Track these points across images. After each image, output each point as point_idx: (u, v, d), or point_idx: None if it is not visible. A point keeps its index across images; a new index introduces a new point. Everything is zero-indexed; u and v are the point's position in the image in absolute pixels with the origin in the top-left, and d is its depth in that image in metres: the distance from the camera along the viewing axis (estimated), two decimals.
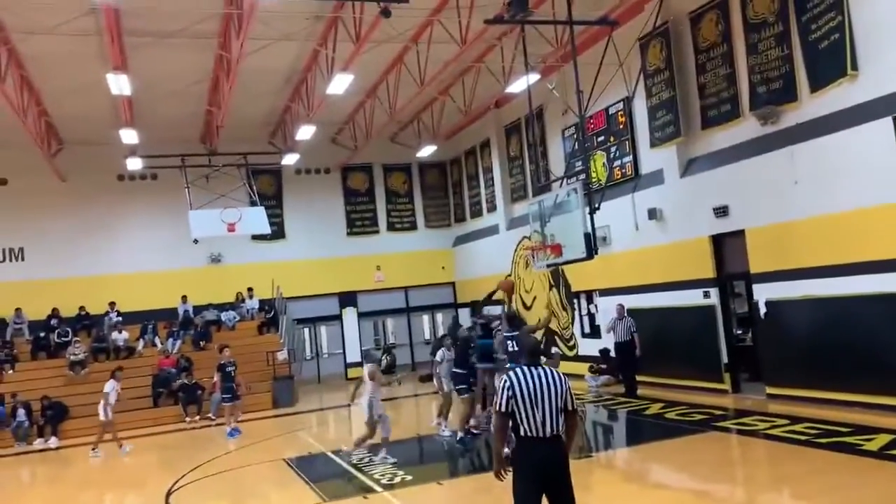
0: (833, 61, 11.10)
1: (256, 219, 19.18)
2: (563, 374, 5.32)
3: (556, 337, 19.44)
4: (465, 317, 24.50)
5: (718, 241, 13.84)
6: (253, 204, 20.58)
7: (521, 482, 5.12)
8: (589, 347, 17.87)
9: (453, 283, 26.32)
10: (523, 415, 5.09)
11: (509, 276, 18.67)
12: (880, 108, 10.48)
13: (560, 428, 5.16)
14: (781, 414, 11.27)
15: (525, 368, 5.26)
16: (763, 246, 12.62)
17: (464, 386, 11.88)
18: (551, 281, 19.63)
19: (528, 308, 21.07)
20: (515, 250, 21.35)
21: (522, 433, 5.13)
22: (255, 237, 22.51)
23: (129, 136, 18.43)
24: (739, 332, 14.06)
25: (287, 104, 20.21)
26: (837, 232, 11.16)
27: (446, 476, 9.91)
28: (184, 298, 22.16)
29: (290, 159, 22.14)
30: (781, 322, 12.28)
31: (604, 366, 16.80)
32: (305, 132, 19.17)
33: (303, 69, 17.67)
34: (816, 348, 11.50)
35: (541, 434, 5.09)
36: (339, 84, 15.29)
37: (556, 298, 19.54)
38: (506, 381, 5.21)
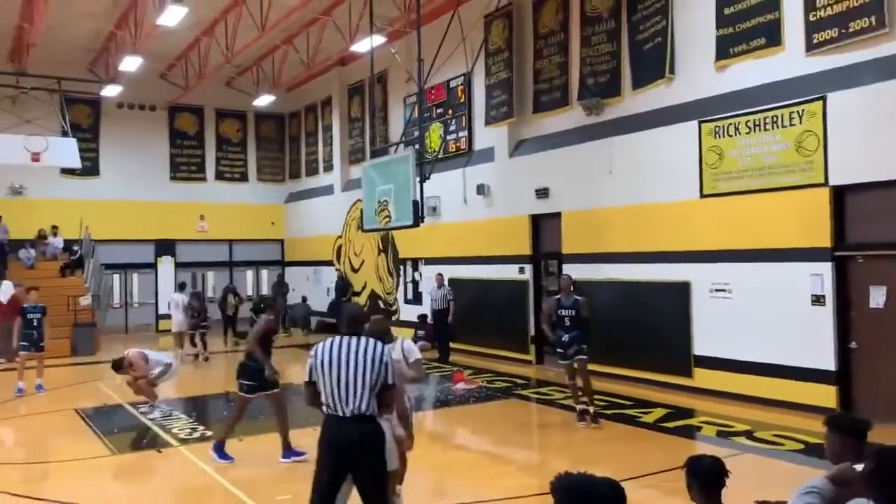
0: (654, 63, 11.91)
1: (66, 150, 17.65)
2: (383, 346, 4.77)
3: (379, 301, 19.61)
4: (291, 276, 24.14)
5: (537, 220, 14.55)
6: (64, 134, 18.88)
7: (317, 462, 4.67)
8: (410, 313, 18.21)
9: (282, 241, 25.73)
10: (322, 388, 4.58)
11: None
12: (689, 112, 11.42)
13: (367, 408, 4.50)
14: (577, 386, 12.08)
15: (339, 338, 4.67)
16: (576, 229, 13.42)
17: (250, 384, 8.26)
18: (380, 246, 19.74)
19: (355, 271, 21.09)
20: (349, 212, 21.21)
21: (324, 408, 4.62)
22: (65, 171, 20.71)
23: None
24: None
25: (113, 30, 18.60)
26: (642, 222, 12.08)
27: (251, 433, 9.71)
28: None
29: (111, 91, 20.46)
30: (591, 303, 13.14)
31: (422, 332, 17.20)
32: (130, 63, 17.79)
33: None
34: (611, 327, 12.40)
35: (340, 412, 4.51)
36: (172, 16, 14.26)
37: (384, 263, 19.69)
38: (313, 349, 4.75)
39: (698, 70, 11.33)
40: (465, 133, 16.65)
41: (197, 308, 16.93)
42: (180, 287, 18.11)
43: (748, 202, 10.46)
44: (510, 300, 14.90)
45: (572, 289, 9.67)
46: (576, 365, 9.41)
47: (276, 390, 8.22)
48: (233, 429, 8.30)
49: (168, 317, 22.55)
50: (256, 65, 21.71)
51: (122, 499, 7.32)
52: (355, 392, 4.48)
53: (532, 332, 14.53)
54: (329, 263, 22.37)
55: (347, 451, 4.51)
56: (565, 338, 9.38)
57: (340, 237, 21.81)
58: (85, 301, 18.80)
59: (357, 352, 4.56)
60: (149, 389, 10.93)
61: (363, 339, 4.66)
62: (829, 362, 9.53)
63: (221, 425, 8.57)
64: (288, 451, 8.07)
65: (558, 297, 9.59)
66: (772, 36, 10.25)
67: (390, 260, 19.42)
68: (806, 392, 9.65)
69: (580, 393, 9.59)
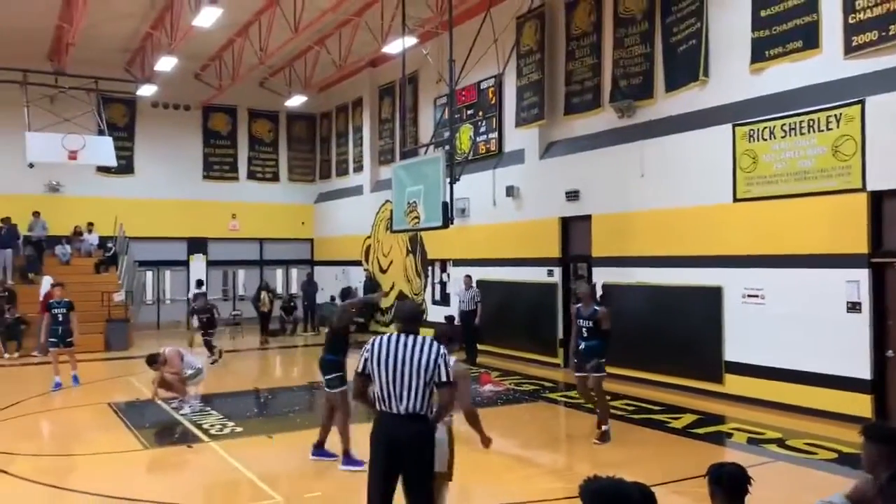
0: (688, 65, 11.79)
1: (102, 149, 17.98)
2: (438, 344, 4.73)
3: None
4: (320, 275, 24.31)
5: (567, 223, 14.47)
6: (100, 133, 19.24)
7: (370, 460, 4.69)
8: (438, 314, 18.21)
9: (312, 240, 25.92)
10: (377, 384, 4.57)
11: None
12: (723, 115, 11.29)
13: (421, 407, 4.51)
14: (604, 390, 11.99)
15: (395, 335, 4.67)
16: (606, 232, 13.33)
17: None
18: (409, 247, 19.79)
19: (384, 272, 21.16)
20: (378, 213, 21.31)
21: (377, 405, 4.61)
22: (100, 169, 21.11)
23: None
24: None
25: (149, 31, 18.91)
26: (673, 226, 11.97)
27: (281, 430, 9.82)
28: (6, 220, 19.50)
29: (146, 90, 20.81)
30: (614, 305, 12.99)
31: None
32: (166, 63, 18.05)
33: None
34: (641, 332, 12.31)
35: (394, 409, 4.51)
36: (207, 17, 14.46)
37: (412, 264, 19.74)
38: (367, 344, 4.72)
39: (733, 73, 11.19)
40: (496, 135, 16.63)
41: (199, 308, 15.96)
42: (198, 284, 18.64)
43: (782, 207, 10.30)
44: (538, 303, 14.84)
45: (597, 297, 9.24)
46: (590, 383, 9.04)
47: (344, 387, 7.96)
48: (348, 429, 7.84)
49: None
50: (289, 65, 21.91)
51: (152, 492, 7.41)
52: (410, 390, 4.48)
53: (560, 335, 14.45)
54: (358, 263, 22.48)
55: (399, 450, 4.51)
56: (582, 345, 9.00)
57: (369, 237, 21.91)
58: (118, 297, 19.12)
59: (413, 350, 4.55)
60: (180, 386, 11.08)
61: (419, 338, 4.64)
62: (864, 371, 9.34)
63: (343, 436, 7.84)
64: (321, 449, 8.02)
65: (578, 305, 9.20)
66: (809, 38, 10.09)
67: (419, 261, 19.46)
68: (840, 400, 9.48)
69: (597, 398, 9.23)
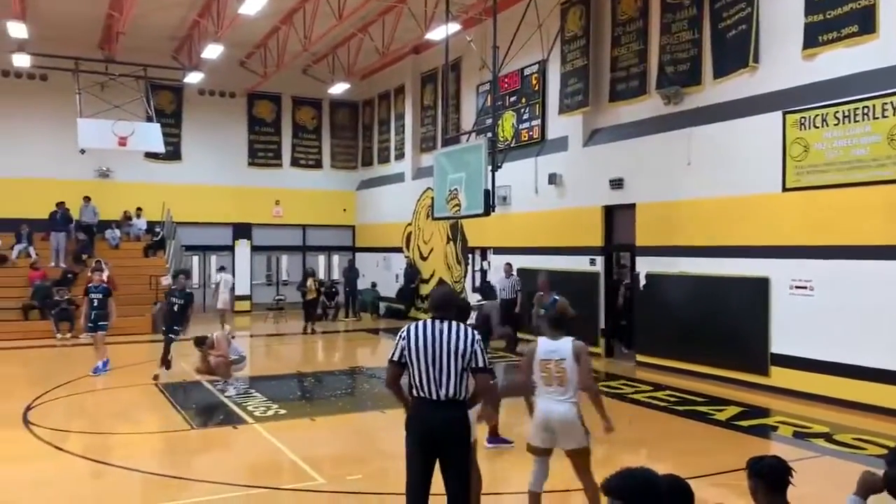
0: (738, 51, 11.53)
1: (150, 135, 18.33)
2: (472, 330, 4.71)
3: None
4: (361, 261, 24.49)
5: (610, 211, 14.31)
6: (149, 119, 19.61)
7: (407, 447, 4.67)
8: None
9: (353, 227, 26.12)
10: (415, 371, 4.56)
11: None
12: (774, 102, 11.02)
13: (459, 393, 4.52)
14: (647, 381, 11.91)
15: (430, 321, 4.65)
16: (651, 221, 13.14)
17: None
18: (450, 235, 19.81)
19: (424, 259, 21.23)
20: (419, 200, 21.36)
21: (414, 392, 4.59)
22: (148, 155, 21.53)
23: (17, 30, 17.00)
24: (619, 300, 14.67)
25: (196, 19, 19.18)
26: (720, 215, 11.75)
27: (323, 413, 9.96)
28: (60, 204, 20.02)
29: (193, 78, 21.12)
30: (658, 295, 12.90)
31: None
32: (212, 51, 18.32)
33: None
34: (684, 323, 12.17)
35: (432, 396, 4.51)
36: (253, 4, 14.63)
37: (453, 252, 19.76)
38: (402, 331, 4.71)
39: (784, 59, 10.90)
40: (538, 122, 16.50)
41: (175, 288, 12.53)
42: (221, 269, 19.27)
43: (834, 196, 10.04)
44: (580, 292, 14.65)
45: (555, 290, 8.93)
46: None
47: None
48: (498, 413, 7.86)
49: (248, 297, 23.65)
50: (332, 53, 22.01)
51: (197, 471, 7.59)
52: (449, 376, 4.48)
53: (602, 324, 14.35)
54: (398, 250, 22.59)
55: (437, 435, 4.52)
56: None
57: (410, 225, 21.99)
58: (166, 280, 19.51)
59: (450, 336, 4.54)
60: (225, 369, 11.30)
61: (454, 324, 4.62)
62: None
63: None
64: (496, 436, 7.93)
65: (540, 293, 8.72)
66: (865, 23, 9.77)
67: (459, 248, 19.47)
68: (891, 395, 9.23)
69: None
